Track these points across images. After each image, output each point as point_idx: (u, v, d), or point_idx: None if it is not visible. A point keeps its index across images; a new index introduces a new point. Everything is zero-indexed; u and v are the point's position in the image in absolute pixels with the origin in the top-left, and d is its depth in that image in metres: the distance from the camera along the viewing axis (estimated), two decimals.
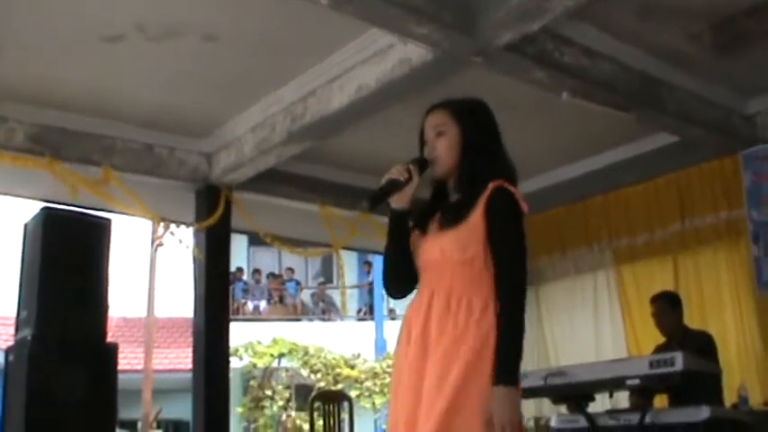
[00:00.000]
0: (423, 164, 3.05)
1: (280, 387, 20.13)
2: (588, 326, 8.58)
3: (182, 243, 7.56)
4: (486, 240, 2.86)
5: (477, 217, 2.87)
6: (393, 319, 22.09)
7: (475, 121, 3.11)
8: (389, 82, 5.70)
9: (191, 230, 7.86)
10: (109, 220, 6.44)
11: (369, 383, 20.23)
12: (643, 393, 5.70)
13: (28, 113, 6.56)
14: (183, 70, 6.17)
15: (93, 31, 5.58)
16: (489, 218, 2.86)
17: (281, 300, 22.14)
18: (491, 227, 2.85)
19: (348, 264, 16.92)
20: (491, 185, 2.89)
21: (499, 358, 2.74)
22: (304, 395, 18.80)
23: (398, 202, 3.02)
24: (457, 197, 3.04)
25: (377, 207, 3.00)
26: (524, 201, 2.94)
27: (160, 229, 8.14)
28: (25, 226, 6.29)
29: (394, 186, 3.00)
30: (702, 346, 6.12)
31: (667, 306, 6.60)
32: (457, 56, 5.37)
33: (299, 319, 21.75)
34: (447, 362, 2.77)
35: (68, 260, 6.07)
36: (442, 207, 3.06)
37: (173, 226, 7.59)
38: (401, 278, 3.07)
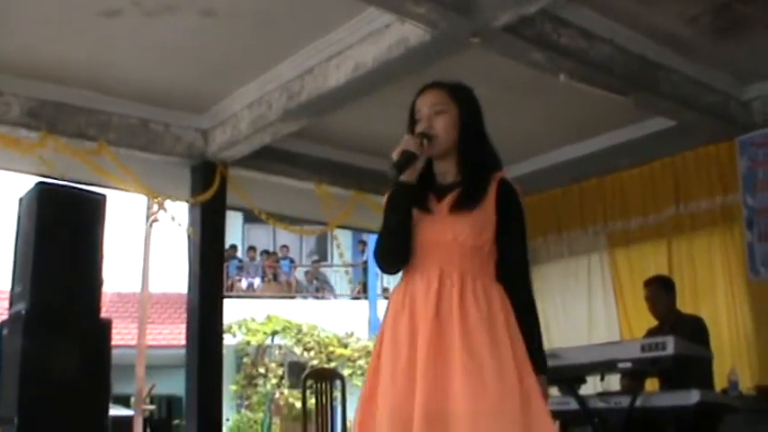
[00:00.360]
0: (429, 138, 3.04)
1: (273, 364, 20.17)
2: (581, 308, 8.61)
3: (174, 221, 7.54)
4: (496, 230, 2.95)
5: (489, 205, 2.95)
6: (387, 297, 22.11)
7: (472, 105, 3.13)
8: (386, 61, 5.70)
9: (186, 207, 7.86)
10: (104, 196, 6.42)
11: (362, 362, 20.27)
12: (634, 376, 5.72)
13: (24, 87, 6.55)
14: (179, 46, 6.15)
15: (91, 6, 5.56)
16: (502, 212, 2.96)
17: (275, 277, 22.15)
18: (504, 222, 2.96)
19: (342, 243, 16.96)
20: (498, 176, 3.00)
21: (537, 350, 2.91)
22: (297, 373, 18.81)
23: (409, 175, 3.00)
24: (453, 179, 3.06)
25: (402, 173, 2.97)
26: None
27: (155, 205, 8.13)
28: (20, 200, 6.27)
29: (411, 158, 2.98)
30: (694, 330, 6.14)
31: (661, 289, 6.62)
32: (454, 36, 5.36)
33: (292, 297, 21.77)
34: (477, 339, 2.80)
35: (63, 235, 6.05)
36: (435, 187, 3.07)
37: (167, 202, 7.56)
38: (400, 253, 3.04)
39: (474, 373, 2.74)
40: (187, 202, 7.70)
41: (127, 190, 7.26)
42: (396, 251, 3.05)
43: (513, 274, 2.96)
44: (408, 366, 2.83)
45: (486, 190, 2.96)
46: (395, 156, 2.99)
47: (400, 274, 3.08)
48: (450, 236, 2.93)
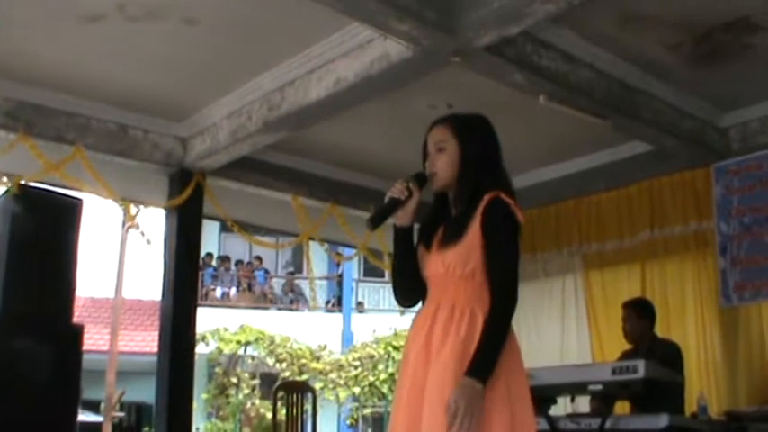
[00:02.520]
0: (422, 179, 3.13)
1: (245, 375, 20.11)
2: (554, 328, 8.62)
3: (144, 236, 7.53)
4: (483, 250, 2.96)
5: (474, 229, 2.97)
6: (361, 312, 22.15)
7: (475, 138, 3.19)
8: (368, 77, 5.71)
9: (163, 214, 7.85)
10: (80, 200, 6.42)
11: (333, 375, 20.27)
12: (605, 399, 5.75)
13: (2, 88, 6.50)
14: (162, 53, 6.14)
15: (74, 10, 5.54)
16: (485, 228, 2.96)
17: (250, 287, 22.11)
18: (486, 237, 2.96)
19: (318, 255, 16.94)
20: (487, 197, 2.98)
21: (477, 353, 2.82)
22: (269, 384, 18.80)
23: (401, 219, 3.12)
24: (457, 212, 3.12)
25: (380, 225, 3.07)
26: (520, 211, 3.05)
27: (131, 211, 8.11)
28: None
29: (395, 205, 3.08)
30: (668, 355, 6.17)
31: (633, 313, 6.65)
32: (436, 54, 5.38)
33: (266, 308, 21.74)
34: (450, 371, 2.83)
35: (38, 239, 6.04)
36: (446, 221, 3.14)
37: (142, 210, 7.55)
38: (409, 291, 3.19)
39: (433, 393, 2.82)
40: (159, 207, 7.67)
41: (100, 196, 7.23)
42: (399, 290, 3.22)
43: (492, 291, 2.94)
44: (404, 393, 2.97)
45: (472, 216, 2.99)
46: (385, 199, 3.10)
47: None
48: (442, 269, 3.01)
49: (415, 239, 3.20)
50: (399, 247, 3.15)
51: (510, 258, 3.00)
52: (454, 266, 2.96)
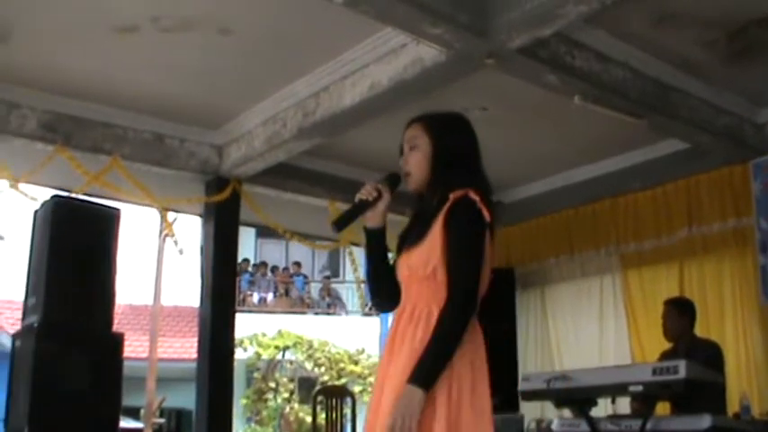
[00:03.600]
0: (394, 180, 3.06)
1: (284, 380, 20.16)
2: (593, 329, 8.59)
3: (177, 245, 7.60)
4: (443, 249, 2.85)
5: (437, 229, 2.86)
6: None
7: (448, 135, 3.07)
8: (401, 81, 5.72)
9: (200, 222, 7.91)
10: (118, 210, 6.46)
11: (372, 379, 20.24)
12: (645, 400, 5.70)
13: (41, 100, 6.60)
14: (196, 62, 6.19)
15: (108, 22, 5.60)
16: (446, 227, 2.85)
17: (287, 292, 22.16)
18: (446, 236, 2.84)
19: (357, 259, 16.96)
20: (452, 196, 2.87)
21: (421, 358, 2.71)
22: (307, 388, 18.83)
23: (371, 221, 3.05)
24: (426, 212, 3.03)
25: (345, 227, 2.99)
26: (488, 209, 2.88)
27: (169, 218, 8.19)
28: (35, 213, 6.31)
29: (363, 207, 3.01)
30: (709, 355, 6.10)
31: (674, 311, 6.58)
32: (469, 57, 5.38)
33: (304, 313, 21.77)
34: (397, 371, 2.79)
35: (77, 248, 6.08)
36: (418, 222, 3.04)
37: (179, 216, 7.62)
38: (384, 294, 3.10)
39: (386, 394, 2.80)
40: (200, 216, 7.73)
41: (138, 203, 7.30)
42: (379, 293, 3.15)
43: (447, 290, 2.81)
44: (373, 400, 2.93)
45: (437, 216, 2.88)
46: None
47: None
48: (407, 271, 2.94)
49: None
50: (371, 250, 3.08)
51: (470, 258, 2.84)
52: (417, 267, 2.88)
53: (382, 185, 3.04)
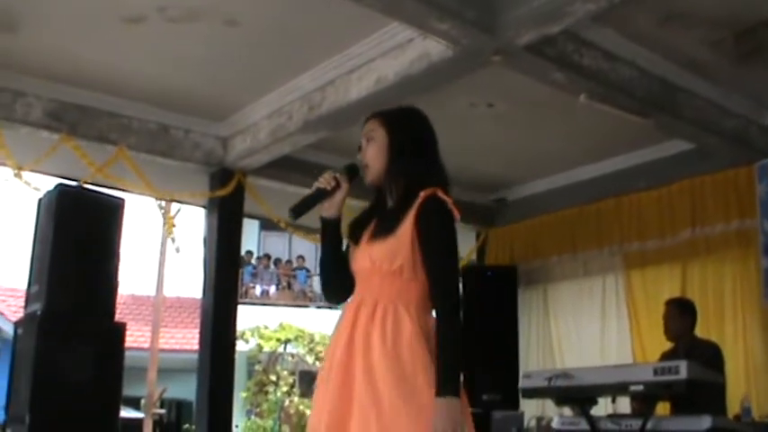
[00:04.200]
0: (352, 171, 3.07)
1: (284, 372, 20.16)
2: (594, 328, 8.58)
3: (174, 243, 7.60)
4: (417, 249, 2.85)
5: (407, 226, 2.86)
6: None
7: (404, 127, 3.07)
8: (408, 76, 5.72)
9: (203, 213, 7.92)
10: (122, 200, 6.47)
11: None
12: (646, 400, 5.70)
13: (46, 89, 6.60)
14: (202, 54, 6.19)
15: (116, 11, 5.60)
16: (420, 227, 2.84)
17: (290, 285, 22.16)
18: (422, 236, 2.84)
19: None
20: (422, 194, 2.86)
21: (440, 370, 2.71)
22: (308, 382, 18.84)
23: (327, 210, 3.04)
24: (391, 206, 3.03)
25: (302, 215, 2.99)
26: (456, 208, 2.90)
27: (172, 210, 8.19)
28: (39, 201, 6.32)
29: (320, 195, 3.02)
30: (710, 356, 6.10)
31: (676, 311, 6.58)
32: (476, 53, 5.38)
33: (306, 306, 21.77)
34: (379, 375, 2.76)
35: (81, 237, 6.10)
36: (378, 215, 3.05)
37: (183, 208, 7.63)
38: (335, 285, 3.11)
39: (364, 400, 2.74)
40: (203, 207, 7.74)
41: (142, 194, 7.30)
42: (330, 284, 3.16)
43: (432, 294, 2.84)
44: (325, 389, 2.88)
45: (406, 212, 2.88)
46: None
47: None
48: (368, 263, 2.92)
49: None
50: (326, 240, 3.07)
51: (451, 262, 2.89)
52: (381, 261, 2.86)
53: (340, 176, 3.04)
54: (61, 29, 5.86)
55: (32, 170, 6.72)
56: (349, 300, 3.05)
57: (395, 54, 5.78)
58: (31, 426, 5.58)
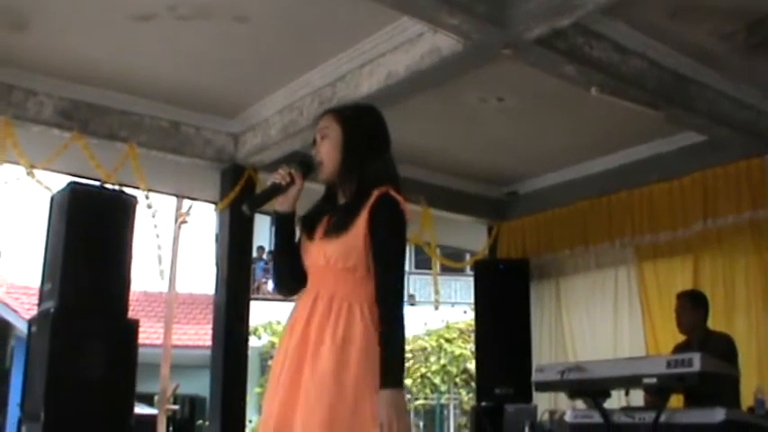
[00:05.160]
0: (306, 166, 3.09)
1: None
2: (607, 321, 8.57)
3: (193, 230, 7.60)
4: (369, 246, 2.90)
5: (360, 224, 2.91)
6: (412, 304, 22.09)
7: (358, 124, 3.11)
8: (418, 71, 5.71)
9: (213, 209, 7.93)
10: (134, 197, 6.49)
11: None
12: (659, 392, 5.69)
13: (57, 87, 6.62)
14: (212, 50, 6.20)
15: (126, 9, 5.61)
16: (372, 225, 2.89)
17: None
18: (372, 234, 2.90)
19: None
20: (376, 192, 2.92)
21: (383, 363, 2.79)
22: None
23: (282, 204, 3.08)
24: (343, 202, 3.07)
25: (257, 209, 3.10)
26: (407, 208, 2.96)
27: (183, 207, 8.21)
28: (52, 199, 6.35)
29: (275, 190, 3.05)
30: (723, 348, 6.09)
31: (688, 304, 6.58)
32: (487, 47, 5.37)
33: None
34: (325, 371, 2.81)
35: (93, 235, 6.13)
36: (331, 212, 3.08)
37: (195, 205, 7.65)
38: (288, 279, 3.16)
39: (311, 392, 2.80)
40: (215, 204, 7.75)
41: (151, 191, 7.31)
42: (283, 277, 3.20)
43: (377, 291, 2.89)
44: (278, 382, 2.93)
45: (359, 210, 2.93)
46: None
47: None
48: (323, 260, 2.96)
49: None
50: (279, 234, 3.13)
51: (397, 258, 2.95)
52: (336, 259, 2.92)
53: (295, 171, 3.07)
54: (71, 27, 5.87)
55: (45, 168, 6.74)
56: (301, 293, 3.09)
57: (405, 48, 5.78)
58: (45, 422, 5.61)
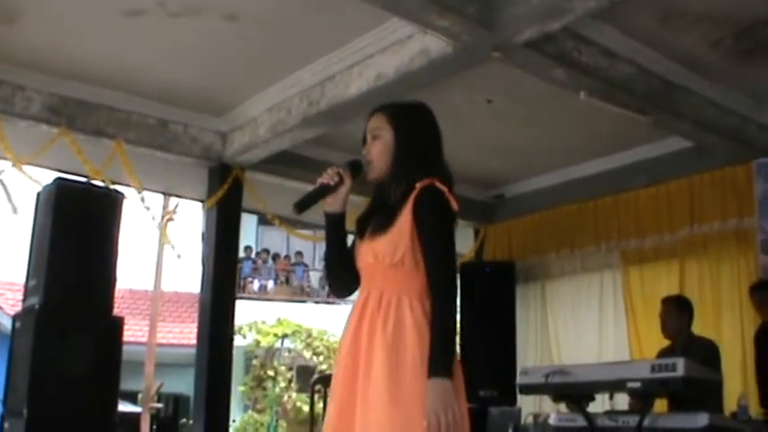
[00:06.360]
0: (356, 167, 3.06)
1: (282, 368, 20.17)
2: (592, 324, 8.59)
3: (174, 250, 7.65)
4: (415, 238, 2.87)
5: (405, 217, 2.88)
6: None
7: (410, 125, 3.07)
8: (408, 72, 5.72)
9: (200, 207, 7.92)
10: (121, 194, 6.47)
11: None
12: (643, 397, 5.70)
13: (45, 83, 6.61)
14: (201, 48, 6.19)
15: (115, 5, 5.60)
16: (417, 216, 2.86)
17: (288, 281, 22.17)
18: (419, 224, 2.86)
19: None
20: (419, 185, 2.88)
21: (432, 352, 2.75)
22: (305, 377, 18.82)
23: (331, 205, 3.05)
24: (392, 200, 3.03)
25: (306, 210, 2.99)
26: (455, 200, 2.91)
27: (170, 204, 8.19)
28: (38, 195, 6.32)
29: (324, 191, 3.02)
30: (706, 353, 6.10)
31: (673, 309, 6.58)
32: (476, 50, 5.39)
33: (304, 301, 21.78)
34: (379, 372, 2.80)
35: (79, 231, 6.10)
36: (381, 210, 3.06)
37: (182, 203, 7.65)
38: (341, 280, 3.13)
39: (368, 392, 2.79)
40: (201, 202, 7.75)
41: (142, 189, 7.29)
42: (336, 278, 3.17)
43: (429, 281, 2.86)
44: (335, 387, 2.94)
45: (404, 204, 2.90)
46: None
47: None
48: (372, 258, 2.95)
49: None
50: (330, 235, 3.09)
51: (446, 246, 2.90)
52: (383, 255, 2.89)
53: (344, 171, 3.03)
54: (61, 22, 5.86)
55: (31, 164, 6.72)
56: (355, 296, 3.07)
57: (395, 50, 5.79)
58: (28, 419, 5.58)
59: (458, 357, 2.88)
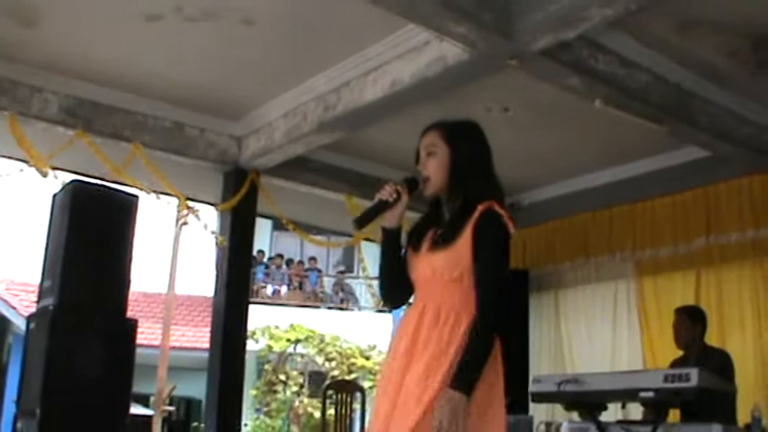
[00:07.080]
0: (412, 183, 3.17)
1: (294, 373, 20.16)
2: (606, 334, 8.57)
3: (207, 228, 7.62)
4: (473, 259, 2.97)
5: (465, 238, 2.98)
6: None
7: (466, 143, 3.19)
8: (424, 78, 5.72)
9: (215, 211, 7.93)
10: (136, 197, 6.48)
11: None
12: (656, 406, 5.68)
13: (63, 85, 6.63)
14: (218, 52, 6.21)
15: (133, 9, 5.62)
16: (476, 239, 2.97)
17: (301, 286, 22.17)
18: (476, 247, 2.96)
19: (370, 255, 16.94)
20: (480, 207, 3.00)
21: (460, 364, 2.85)
22: (317, 382, 18.83)
23: (389, 221, 3.16)
24: (449, 217, 3.14)
25: (366, 226, 3.09)
26: (511, 221, 3.05)
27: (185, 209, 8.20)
28: (54, 197, 6.34)
29: (383, 206, 3.12)
30: (720, 364, 6.08)
31: (687, 319, 6.57)
32: (492, 57, 5.38)
33: (317, 307, 21.78)
34: (427, 374, 2.87)
35: (94, 233, 6.11)
36: (437, 225, 3.15)
37: (197, 207, 7.65)
38: (396, 292, 3.24)
39: (408, 391, 2.88)
40: (214, 206, 7.77)
41: (157, 192, 7.31)
42: (391, 290, 3.26)
43: (478, 300, 2.94)
44: (384, 396, 3.01)
45: (465, 224, 3.00)
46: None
47: None
48: (430, 272, 3.05)
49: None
50: (387, 248, 3.20)
51: (498, 271, 3.00)
52: (442, 270, 3.00)
53: (401, 187, 3.14)
54: (79, 26, 5.88)
55: (47, 166, 6.74)
56: (407, 306, 3.20)
57: (411, 56, 5.79)
58: (41, 420, 5.59)
59: (500, 376, 3.05)
